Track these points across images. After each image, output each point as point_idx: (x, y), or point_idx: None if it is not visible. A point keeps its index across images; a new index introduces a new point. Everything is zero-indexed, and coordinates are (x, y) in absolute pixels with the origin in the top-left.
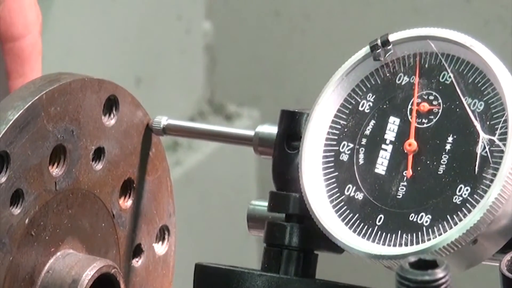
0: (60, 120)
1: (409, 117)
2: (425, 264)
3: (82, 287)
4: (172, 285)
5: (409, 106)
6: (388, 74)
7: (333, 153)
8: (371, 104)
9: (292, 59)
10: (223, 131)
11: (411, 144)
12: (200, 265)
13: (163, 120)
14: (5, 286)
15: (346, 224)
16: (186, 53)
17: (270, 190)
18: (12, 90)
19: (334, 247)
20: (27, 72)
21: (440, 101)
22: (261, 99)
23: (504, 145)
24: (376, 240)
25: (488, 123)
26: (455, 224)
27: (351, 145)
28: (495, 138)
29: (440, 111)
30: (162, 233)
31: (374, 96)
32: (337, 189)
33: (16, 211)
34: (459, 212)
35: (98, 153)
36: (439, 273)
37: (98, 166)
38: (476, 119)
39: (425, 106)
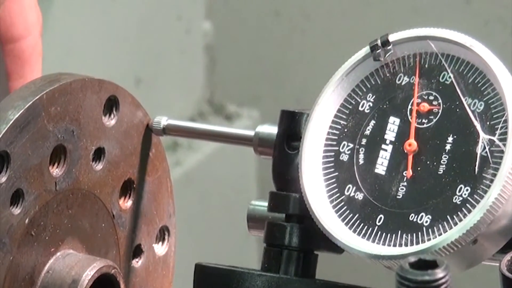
0: (60, 120)
1: (409, 117)
2: (425, 264)
3: (82, 287)
4: (172, 285)
5: (409, 106)
6: (388, 74)
7: (333, 153)
8: (371, 104)
9: (292, 59)
10: (223, 131)
11: (411, 144)
12: (200, 265)
13: (163, 120)
14: (5, 286)
15: (346, 224)
16: (186, 53)
17: (270, 190)
18: (12, 91)
19: (334, 247)
20: (27, 73)
21: (440, 101)
22: (261, 99)
23: (504, 145)
24: (376, 240)
25: (488, 123)
26: (455, 224)
27: (351, 145)
28: (495, 138)
29: (440, 111)
30: (162, 234)
31: (374, 96)
32: (337, 189)
33: (16, 211)
34: (459, 212)
35: (98, 154)
36: (439, 273)
37: (98, 167)
38: (476, 119)
39: (425, 106)
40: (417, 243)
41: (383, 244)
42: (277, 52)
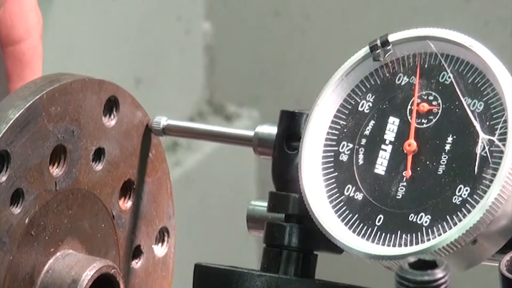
0: (60, 120)
1: (409, 117)
2: (424, 264)
3: (82, 287)
4: (171, 287)
5: (409, 107)
6: (387, 75)
7: (332, 154)
8: (370, 105)
9: (291, 60)
10: (222, 132)
11: (411, 145)
12: (200, 265)
13: (163, 121)
14: (5, 285)
15: (346, 224)
16: (186, 53)
17: (270, 191)
18: None
19: (334, 247)
20: (27, 75)
21: (439, 101)
22: (260, 100)
23: (504, 145)
24: (376, 241)
25: (487, 123)
26: (455, 224)
27: (351, 145)
28: (494, 139)
29: (440, 111)
30: (162, 235)
31: (373, 96)
32: (336, 190)
33: (16, 210)
34: (458, 213)
35: (98, 154)
36: (439, 273)
37: (98, 167)
38: (475, 120)
39: (424, 107)
40: (417, 243)
41: (383, 244)
42: (276, 52)
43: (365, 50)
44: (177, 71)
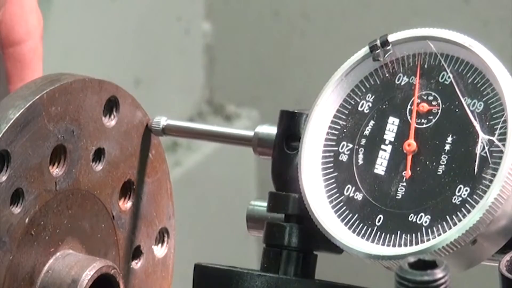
0: (60, 120)
1: (409, 117)
2: (424, 264)
3: (82, 287)
4: (171, 287)
5: (409, 107)
6: (387, 75)
7: (332, 154)
8: (370, 105)
9: (291, 60)
10: (222, 132)
11: (411, 145)
12: (200, 265)
13: (163, 121)
14: (4, 285)
15: (346, 224)
16: (186, 53)
17: (270, 191)
18: None
19: (334, 247)
20: (27, 76)
21: (439, 101)
22: (260, 100)
23: (504, 145)
24: (376, 241)
25: (487, 123)
26: (455, 224)
27: (351, 146)
28: (494, 139)
29: (440, 111)
30: (162, 236)
31: (373, 96)
32: (336, 190)
33: (16, 210)
34: (458, 213)
35: (98, 154)
36: (439, 273)
37: (98, 167)
38: (475, 120)
39: (424, 107)
40: (417, 243)
41: (383, 244)
42: (276, 52)
43: (364, 50)
44: (176, 71)
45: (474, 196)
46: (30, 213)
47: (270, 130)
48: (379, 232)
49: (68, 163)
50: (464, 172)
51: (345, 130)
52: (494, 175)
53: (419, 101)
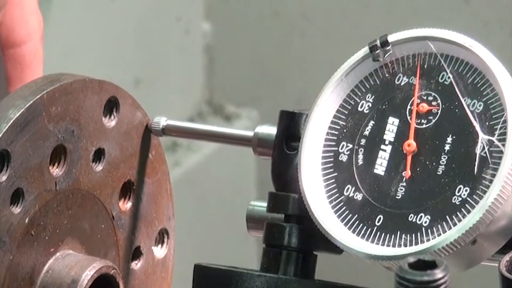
0: (60, 120)
1: (408, 117)
2: (424, 264)
3: (81, 287)
4: None
5: (408, 107)
6: (387, 75)
7: (332, 154)
8: (370, 105)
9: (291, 60)
10: (222, 132)
11: (410, 145)
12: (199, 266)
13: (162, 121)
14: (4, 285)
15: (345, 224)
16: (185, 53)
17: (269, 191)
18: None
19: (333, 247)
20: (27, 78)
21: (439, 101)
22: (260, 100)
23: (503, 145)
24: (375, 241)
25: (487, 123)
26: (454, 224)
27: (350, 146)
28: (494, 139)
29: (439, 111)
30: (161, 236)
31: (373, 96)
32: (336, 190)
33: (16, 210)
34: (458, 213)
35: (98, 154)
36: (438, 273)
37: (98, 167)
38: (475, 120)
39: (424, 107)
40: (416, 243)
41: (382, 244)
42: (276, 52)
43: (364, 50)
44: (176, 71)
45: (474, 196)
46: (30, 213)
47: (270, 130)
48: (379, 232)
49: (68, 163)
50: (464, 172)
51: (345, 130)
52: (494, 175)
53: (419, 101)
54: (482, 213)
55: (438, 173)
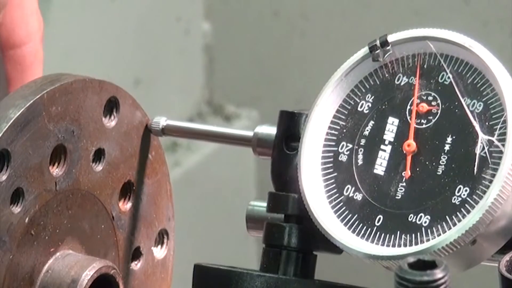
0: (61, 120)
1: (408, 117)
2: (424, 264)
3: (81, 287)
4: None
5: (408, 107)
6: (387, 75)
7: (332, 154)
8: (370, 105)
9: (291, 60)
10: (222, 132)
11: (410, 145)
12: (199, 266)
13: (162, 121)
14: (4, 284)
15: (345, 224)
16: (185, 53)
17: (269, 191)
18: None
19: (333, 247)
20: (27, 79)
21: (439, 101)
22: (260, 100)
23: (503, 145)
24: (375, 241)
25: (487, 123)
26: (454, 224)
27: (350, 146)
28: (494, 139)
29: (439, 111)
30: (161, 237)
31: (373, 96)
32: (336, 190)
33: (16, 209)
34: (458, 213)
35: (98, 155)
36: (438, 273)
37: (98, 168)
38: (475, 120)
39: (424, 107)
40: (416, 243)
41: (382, 244)
42: (276, 52)
43: (364, 50)
44: (176, 71)
45: (474, 196)
46: (30, 212)
47: (269, 130)
48: (378, 232)
49: (68, 163)
50: (463, 172)
51: (344, 130)
52: (493, 175)
53: (418, 101)
54: (482, 213)
55: (438, 173)
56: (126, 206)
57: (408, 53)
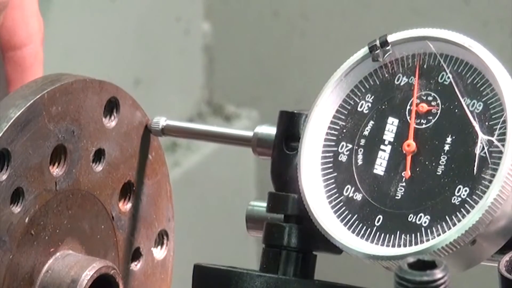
0: (61, 120)
1: (408, 117)
2: (424, 264)
3: (81, 287)
4: None
5: (408, 107)
6: (387, 75)
7: (331, 154)
8: (369, 105)
9: (291, 60)
10: (222, 132)
11: (410, 145)
12: (199, 266)
13: (162, 121)
14: (4, 284)
15: (345, 224)
16: (185, 54)
17: (269, 191)
18: None
19: (333, 247)
20: (27, 80)
21: (439, 101)
22: (260, 100)
23: (503, 145)
24: (375, 241)
25: (487, 123)
26: (454, 224)
27: (350, 146)
28: (493, 139)
29: (439, 111)
30: (161, 238)
31: (373, 96)
32: (335, 190)
33: (16, 209)
34: (458, 213)
35: (98, 155)
36: (438, 273)
37: (98, 168)
38: (475, 120)
39: (423, 107)
40: (416, 243)
41: (382, 244)
42: (276, 52)
43: (364, 50)
44: (176, 71)
45: (474, 196)
46: (30, 212)
47: (269, 130)
48: (378, 233)
49: (68, 163)
50: (463, 173)
51: (344, 131)
52: (493, 176)
53: (418, 101)
54: (482, 213)
55: (437, 173)
56: (126, 206)
57: (408, 53)
